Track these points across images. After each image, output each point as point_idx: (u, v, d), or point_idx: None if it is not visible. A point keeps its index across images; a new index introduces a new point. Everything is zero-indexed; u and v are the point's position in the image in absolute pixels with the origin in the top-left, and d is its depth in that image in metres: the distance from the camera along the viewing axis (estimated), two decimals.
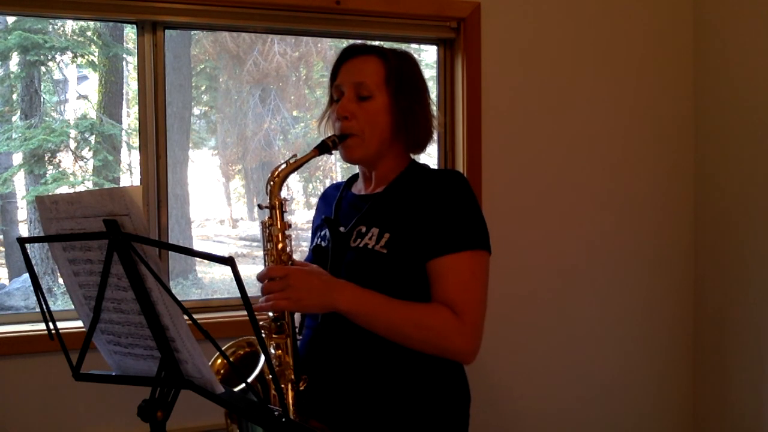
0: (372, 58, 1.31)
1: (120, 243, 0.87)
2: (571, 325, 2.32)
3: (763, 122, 2.14)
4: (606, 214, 2.36)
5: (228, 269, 0.81)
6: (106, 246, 0.89)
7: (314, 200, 7.02)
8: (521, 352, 2.27)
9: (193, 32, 5.21)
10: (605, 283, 2.36)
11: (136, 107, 2.52)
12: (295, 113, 5.95)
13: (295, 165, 1.25)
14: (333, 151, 1.28)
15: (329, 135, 1.30)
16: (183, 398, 0.98)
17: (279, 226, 1.23)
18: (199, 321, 0.89)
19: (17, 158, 4.74)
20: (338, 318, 1.18)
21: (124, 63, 5.05)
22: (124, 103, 5.15)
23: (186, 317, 0.90)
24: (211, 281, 5.73)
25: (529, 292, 2.28)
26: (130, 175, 5.03)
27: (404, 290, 1.20)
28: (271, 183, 1.25)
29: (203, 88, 6.18)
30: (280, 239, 1.22)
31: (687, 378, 2.46)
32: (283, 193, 1.27)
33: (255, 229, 6.64)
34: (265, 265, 1.24)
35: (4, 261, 4.95)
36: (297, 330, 1.23)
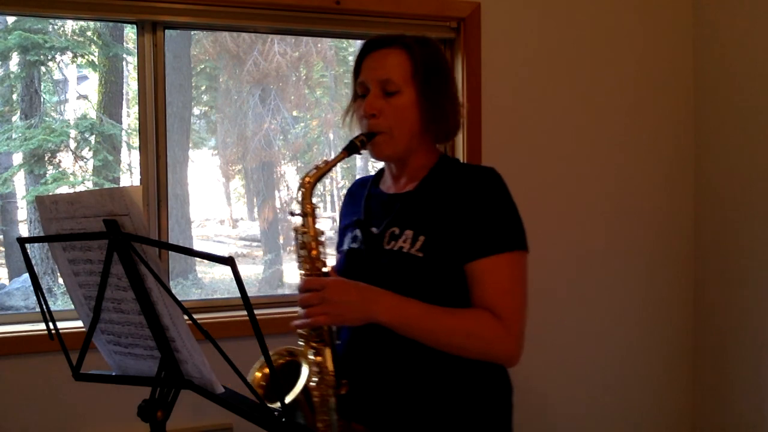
0: (396, 50, 1.24)
1: (120, 243, 0.87)
2: (569, 324, 2.32)
3: (763, 122, 2.14)
4: (605, 214, 2.36)
5: (228, 269, 0.81)
6: (106, 246, 0.89)
7: (314, 200, 7.00)
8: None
9: (193, 32, 5.21)
10: (604, 282, 2.36)
11: (136, 107, 2.52)
12: (295, 113, 5.95)
13: (326, 169, 1.21)
14: (362, 151, 1.24)
15: (356, 135, 1.25)
16: (183, 398, 0.98)
17: (312, 233, 1.21)
18: (199, 321, 0.89)
19: (17, 158, 4.74)
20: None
21: (124, 63, 5.05)
22: (124, 103, 5.15)
23: (186, 317, 0.90)
24: (211, 281, 5.73)
25: (528, 292, 2.27)
26: (130, 175, 5.03)
27: (442, 294, 1.18)
28: (302, 189, 1.21)
29: (203, 88, 6.18)
30: (314, 247, 1.20)
31: (687, 378, 2.46)
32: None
33: (255, 229, 6.64)
34: (300, 273, 1.22)
35: (4, 261, 4.95)
36: (335, 334, 1.22)
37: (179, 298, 0.89)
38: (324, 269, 1.21)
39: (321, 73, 6.07)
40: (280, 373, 1.20)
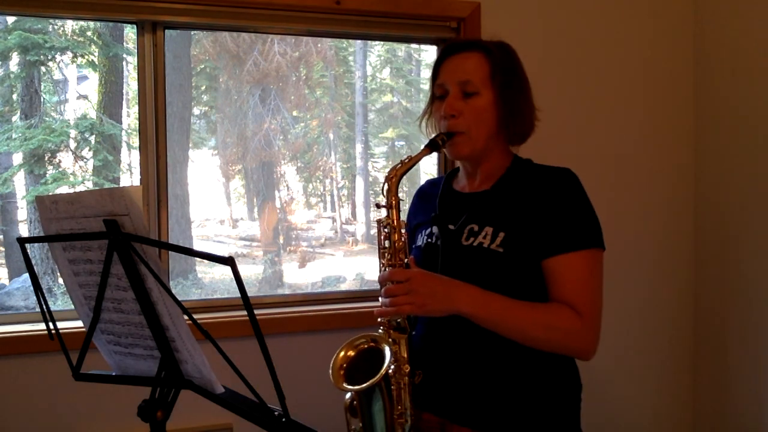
0: (475, 54, 1.30)
1: (120, 243, 0.87)
2: None
3: (764, 122, 2.14)
4: (605, 215, 2.35)
5: (228, 269, 0.81)
6: (106, 246, 0.89)
7: (314, 200, 7.02)
8: None
9: (193, 32, 5.21)
10: (605, 282, 2.36)
11: (136, 107, 2.52)
12: (295, 113, 5.95)
13: (410, 164, 1.26)
14: (443, 149, 1.29)
15: (436, 133, 1.30)
16: (183, 398, 0.98)
17: (396, 225, 1.25)
18: (199, 321, 0.89)
19: (17, 158, 4.74)
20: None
21: (124, 63, 5.05)
22: (124, 103, 5.15)
23: (186, 317, 0.90)
24: (211, 281, 5.73)
25: None
26: (130, 175, 5.03)
27: (521, 289, 1.21)
28: (388, 183, 1.26)
29: (203, 88, 6.18)
30: (397, 238, 1.24)
31: (687, 378, 2.46)
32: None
33: (255, 229, 6.64)
34: (380, 263, 1.26)
35: (4, 261, 4.95)
36: (410, 324, 1.26)
37: (179, 298, 0.89)
38: (406, 261, 1.25)
39: (321, 73, 6.07)
40: (362, 358, 1.25)
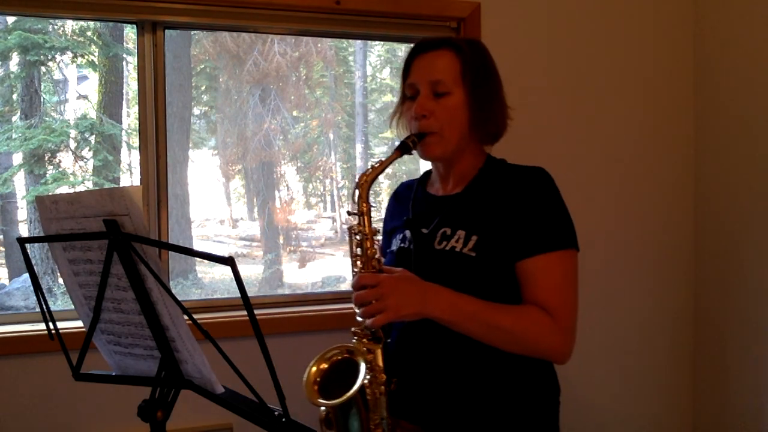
0: (445, 52, 1.26)
1: (120, 243, 0.87)
2: None
3: (764, 122, 2.14)
4: (605, 215, 2.36)
5: (228, 269, 0.81)
6: (106, 246, 0.89)
7: (314, 200, 7.01)
8: None
9: (193, 32, 5.21)
10: (605, 283, 2.36)
11: (136, 107, 2.52)
12: (295, 113, 5.95)
13: (380, 168, 1.22)
14: (413, 151, 1.25)
15: (407, 135, 1.27)
16: (183, 398, 0.98)
17: (368, 232, 1.21)
18: (199, 321, 0.89)
19: (17, 158, 4.74)
20: (427, 318, 1.16)
21: (124, 63, 5.05)
22: (124, 103, 5.15)
23: (186, 317, 0.90)
24: (211, 281, 5.73)
25: None
26: (130, 175, 5.03)
27: (494, 292, 1.19)
28: (359, 189, 1.21)
29: (203, 88, 6.18)
30: (369, 245, 1.20)
31: (687, 378, 2.46)
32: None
33: (255, 229, 6.64)
34: (353, 271, 1.23)
35: (4, 261, 4.95)
36: (387, 332, 1.23)
37: (179, 298, 0.89)
38: (379, 268, 1.21)
39: (321, 73, 6.07)
40: (336, 369, 1.22)
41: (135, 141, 4.88)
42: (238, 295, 0.83)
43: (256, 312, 0.85)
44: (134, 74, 4.49)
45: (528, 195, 1.22)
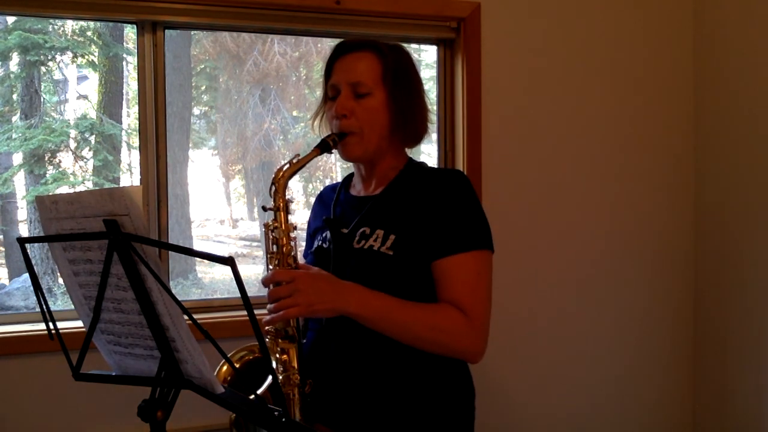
0: (367, 53, 1.29)
1: (120, 243, 0.87)
2: (570, 325, 2.32)
3: (764, 122, 2.14)
4: (606, 215, 2.36)
5: (228, 269, 0.81)
6: (106, 246, 0.89)
7: (314, 200, 7.00)
8: (520, 353, 2.27)
9: (193, 32, 5.21)
10: (605, 283, 2.36)
11: (136, 107, 2.52)
12: (295, 113, 5.95)
13: (298, 165, 1.23)
14: (333, 150, 1.26)
15: (328, 134, 1.27)
16: (183, 398, 0.98)
17: (284, 228, 1.21)
18: (199, 321, 0.89)
19: (17, 158, 4.74)
20: (342, 319, 1.16)
21: (124, 63, 5.05)
22: (124, 103, 5.15)
23: (186, 317, 0.90)
24: (211, 281, 5.73)
25: (528, 293, 2.28)
26: (130, 175, 5.03)
27: (410, 291, 1.20)
28: (275, 184, 1.22)
29: (203, 88, 6.18)
30: (285, 242, 1.20)
31: (687, 378, 2.46)
32: (287, 194, 1.25)
33: (255, 229, 6.65)
34: (267, 268, 1.22)
35: (4, 261, 4.95)
36: (300, 333, 1.22)
37: (179, 298, 0.89)
38: (294, 265, 1.21)
39: (321, 73, 6.07)
40: (247, 370, 1.21)
41: (135, 141, 4.88)
42: (238, 295, 0.83)
43: (256, 312, 0.84)
44: (134, 74, 4.49)
45: (445, 196, 1.23)
